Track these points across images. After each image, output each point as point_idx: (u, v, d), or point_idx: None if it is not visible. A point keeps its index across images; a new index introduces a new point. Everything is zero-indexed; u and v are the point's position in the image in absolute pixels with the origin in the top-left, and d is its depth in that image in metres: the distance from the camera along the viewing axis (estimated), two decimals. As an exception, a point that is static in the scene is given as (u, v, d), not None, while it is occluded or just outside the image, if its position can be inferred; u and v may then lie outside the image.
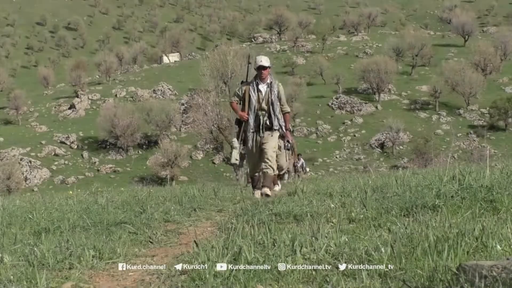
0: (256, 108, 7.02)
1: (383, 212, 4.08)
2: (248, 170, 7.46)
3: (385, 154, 47.72)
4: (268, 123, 7.05)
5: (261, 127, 7.05)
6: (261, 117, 7.04)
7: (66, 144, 49.89)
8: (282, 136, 9.77)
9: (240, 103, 7.18)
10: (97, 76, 76.95)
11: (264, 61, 6.99)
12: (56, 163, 46.30)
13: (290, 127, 10.09)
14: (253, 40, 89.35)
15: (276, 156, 9.66)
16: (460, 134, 48.44)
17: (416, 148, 43.02)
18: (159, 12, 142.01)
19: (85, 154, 48.40)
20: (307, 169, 23.33)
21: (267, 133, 7.07)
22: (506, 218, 3.46)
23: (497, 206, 3.80)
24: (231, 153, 7.63)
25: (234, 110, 7.34)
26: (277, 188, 9.19)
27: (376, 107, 55.50)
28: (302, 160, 17.76)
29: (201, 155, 47.49)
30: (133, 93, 61.45)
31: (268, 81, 7.06)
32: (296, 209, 4.53)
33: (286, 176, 10.43)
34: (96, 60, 75.54)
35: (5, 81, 77.54)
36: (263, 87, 7.03)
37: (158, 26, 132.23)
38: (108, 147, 49.32)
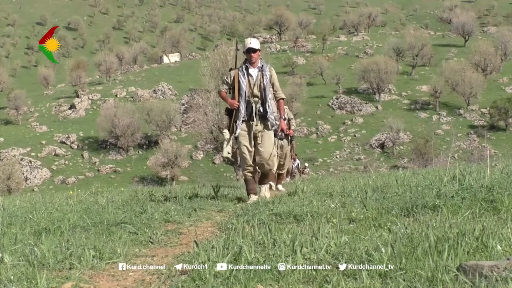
0: (247, 94, 6.36)
1: (384, 212, 4.08)
2: (241, 169, 6.57)
3: (385, 154, 47.72)
4: (261, 110, 6.39)
5: (254, 115, 6.38)
6: (253, 104, 6.37)
7: (66, 144, 49.91)
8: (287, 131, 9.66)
9: (229, 92, 6.52)
10: (97, 76, 76.95)
11: (254, 43, 6.37)
12: (56, 163, 46.31)
13: (288, 116, 9.75)
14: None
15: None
16: (460, 134, 48.43)
17: (416, 148, 43.01)
18: (159, 12, 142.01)
19: (86, 154, 48.41)
20: (306, 165, 23.15)
21: (261, 124, 6.42)
22: (506, 218, 3.46)
23: (498, 206, 3.80)
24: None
25: (223, 99, 6.66)
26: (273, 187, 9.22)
27: (376, 107, 55.51)
28: (297, 161, 17.62)
29: (202, 155, 47.50)
30: (133, 93, 61.46)
31: (259, 64, 6.43)
32: (296, 209, 4.53)
33: (288, 179, 10.31)
34: (96, 60, 75.54)
35: (5, 81, 77.48)
36: (253, 71, 6.39)
37: (158, 26, 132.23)
38: (108, 147, 49.33)
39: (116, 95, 61.85)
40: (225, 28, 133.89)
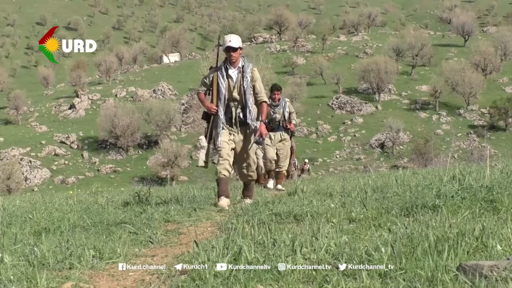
0: (226, 98, 5.82)
1: (383, 212, 4.08)
2: (217, 169, 6.02)
3: (385, 154, 47.71)
4: (241, 116, 5.86)
5: (233, 121, 5.86)
6: (232, 109, 5.85)
7: (66, 144, 49.88)
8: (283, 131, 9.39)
9: (208, 94, 5.98)
10: (97, 76, 76.90)
11: (234, 40, 5.79)
12: (56, 163, 46.30)
13: (290, 109, 9.38)
14: (253, 40, 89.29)
15: (277, 155, 9.51)
16: (460, 134, 48.43)
17: (416, 148, 43.00)
18: (159, 12, 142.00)
19: (85, 154, 48.40)
20: (306, 161, 23.01)
21: (241, 130, 5.91)
22: (506, 218, 3.47)
23: (497, 206, 3.80)
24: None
25: (200, 102, 6.13)
26: (270, 184, 9.09)
27: (376, 107, 55.51)
28: (294, 160, 17.52)
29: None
30: (133, 93, 61.43)
31: (240, 64, 5.87)
32: (296, 209, 4.53)
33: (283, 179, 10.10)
34: (96, 60, 75.49)
35: (5, 81, 77.44)
36: (233, 73, 5.85)
37: (158, 26, 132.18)
38: (108, 147, 49.32)
39: (116, 95, 61.81)
40: (225, 28, 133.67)
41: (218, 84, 5.83)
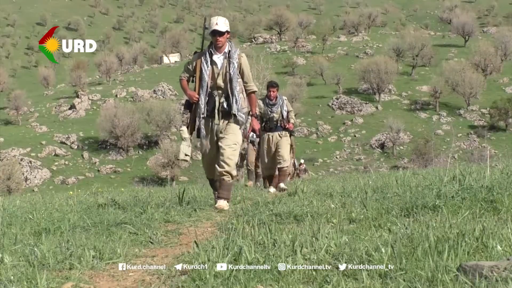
0: (209, 85, 5.37)
1: (384, 213, 4.08)
2: (204, 171, 5.88)
3: (385, 154, 47.72)
4: (225, 106, 5.39)
5: (216, 111, 5.39)
6: (216, 98, 5.38)
7: (66, 144, 49.89)
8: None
9: (192, 81, 5.55)
10: (97, 77, 76.91)
11: (221, 24, 5.31)
12: (56, 163, 46.31)
13: (288, 108, 9.00)
14: (253, 40, 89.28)
15: (277, 149, 9.29)
16: (461, 135, 48.44)
17: (417, 148, 43.02)
18: (159, 12, 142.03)
19: (86, 154, 48.41)
20: (302, 161, 23.01)
21: (224, 122, 5.45)
22: (506, 218, 3.47)
23: (498, 207, 3.80)
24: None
25: (182, 90, 5.64)
26: (272, 189, 8.59)
27: (377, 108, 55.51)
28: (294, 160, 17.38)
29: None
30: (134, 93, 61.45)
31: (226, 50, 5.41)
32: (297, 209, 4.53)
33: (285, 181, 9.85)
34: (96, 60, 75.49)
35: (5, 81, 77.38)
36: (218, 58, 5.39)
37: (158, 26, 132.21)
38: (108, 147, 49.33)
39: (116, 95, 61.82)
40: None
41: (201, 70, 5.39)
